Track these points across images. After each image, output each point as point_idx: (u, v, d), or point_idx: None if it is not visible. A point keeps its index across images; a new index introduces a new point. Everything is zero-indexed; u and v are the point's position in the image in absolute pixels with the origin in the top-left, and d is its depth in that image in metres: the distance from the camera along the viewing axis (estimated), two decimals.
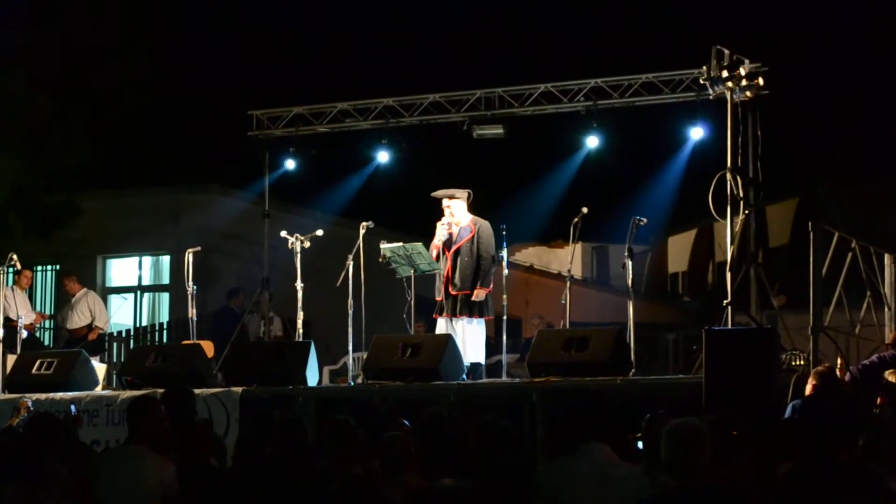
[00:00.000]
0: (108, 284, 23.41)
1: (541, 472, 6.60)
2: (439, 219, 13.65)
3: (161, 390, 9.45)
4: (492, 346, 14.87)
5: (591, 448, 6.32)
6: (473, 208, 13.77)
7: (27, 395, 13.15)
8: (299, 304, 14.17)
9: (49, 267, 23.15)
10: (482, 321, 13.59)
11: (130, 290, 23.55)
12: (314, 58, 29.50)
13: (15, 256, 15.10)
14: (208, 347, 14.86)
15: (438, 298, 13.58)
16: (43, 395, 13.25)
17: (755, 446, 7.29)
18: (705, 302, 28.08)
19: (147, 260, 23.63)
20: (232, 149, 20.67)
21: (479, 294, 13.42)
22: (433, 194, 13.84)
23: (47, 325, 21.26)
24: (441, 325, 13.54)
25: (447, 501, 5.86)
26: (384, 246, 13.57)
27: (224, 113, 22.58)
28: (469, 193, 13.72)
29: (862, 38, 28.16)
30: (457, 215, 13.58)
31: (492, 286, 13.56)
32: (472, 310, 13.42)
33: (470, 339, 13.38)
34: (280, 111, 16.89)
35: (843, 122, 28.66)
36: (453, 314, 13.42)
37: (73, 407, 11.70)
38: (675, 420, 6.34)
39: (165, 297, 23.43)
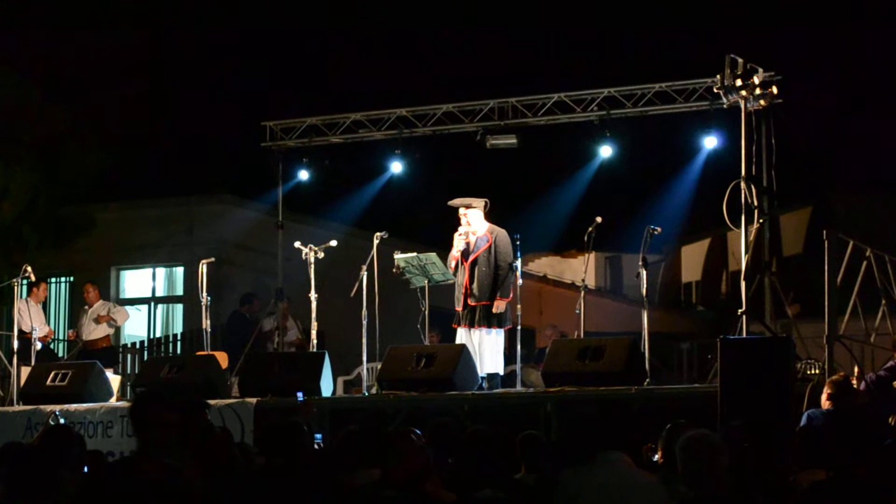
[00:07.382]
0: (122, 296, 23.39)
1: (560, 480, 6.58)
2: (455, 228, 13.64)
3: None
4: (506, 357, 14.84)
5: (611, 457, 6.29)
6: (488, 217, 13.76)
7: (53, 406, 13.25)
8: (313, 314, 14.18)
9: (63, 279, 23.16)
10: (501, 331, 13.57)
11: (144, 302, 23.55)
12: (327, 68, 29.51)
13: (29, 268, 15.14)
14: (222, 358, 14.88)
15: (458, 309, 13.57)
16: (58, 407, 13.29)
17: (772, 455, 7.26)
18: (719, 311, 28.04)
19: (161, 271, 23.62)
20: (245, 159, 20.73)
21: (499, 305, 13.40)
22: (450, 203, 13.83)
23: (62, 336, 21.28)
24: (461, 336, 13.53)
25: None
26: (398, 256, 13.58)
27: (237, 124, 22.64)
28: (486, 202, 13.70)
29: (876, 46, 28.08)
30: (473, 224, 13.55)
31: (511, 295, 13.54)
32: (490, 321, 13.41)
33: (488, 349, 13.37)
34: (293, 122, 16.91)
35: (857, 129, 28.59)
36: (472, 325, 13.41)
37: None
38: (688, 432, 6.31)
39: (179, 308, 23.41)
